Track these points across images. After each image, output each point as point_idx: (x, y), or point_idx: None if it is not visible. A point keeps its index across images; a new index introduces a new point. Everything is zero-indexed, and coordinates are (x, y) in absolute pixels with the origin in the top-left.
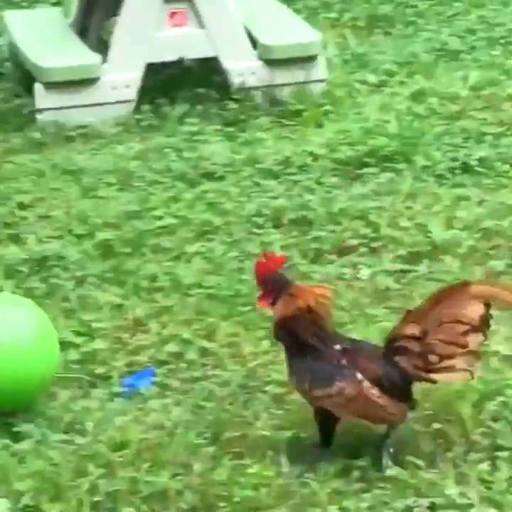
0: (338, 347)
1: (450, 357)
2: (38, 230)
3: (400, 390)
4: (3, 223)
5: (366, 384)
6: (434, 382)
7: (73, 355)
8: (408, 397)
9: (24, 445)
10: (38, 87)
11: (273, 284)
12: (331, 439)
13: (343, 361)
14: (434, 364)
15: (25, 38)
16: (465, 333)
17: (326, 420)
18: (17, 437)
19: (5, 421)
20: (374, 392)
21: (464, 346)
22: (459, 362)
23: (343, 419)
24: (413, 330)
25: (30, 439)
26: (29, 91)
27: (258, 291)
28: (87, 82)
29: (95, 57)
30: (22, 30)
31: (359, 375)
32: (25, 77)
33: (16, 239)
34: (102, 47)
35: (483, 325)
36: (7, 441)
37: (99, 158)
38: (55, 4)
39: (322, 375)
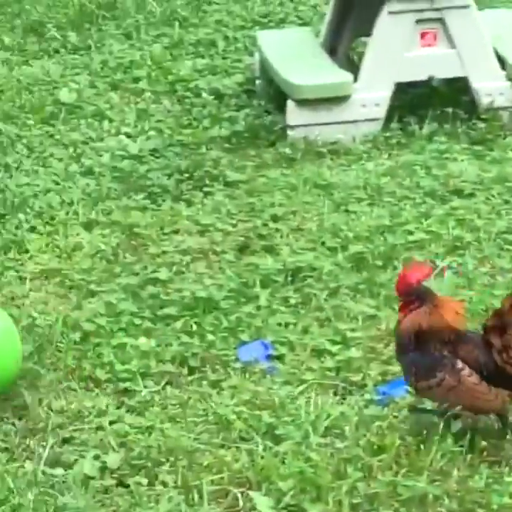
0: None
1: None
2: (292, 241)
3: (495, 378)
4: (258, 235)
5: (465, 372)
6: None
7: (329, 362)
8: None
9: (285, 446)
10: (289, 104)
11: (416, 294)
12: None
13: (445, 351)
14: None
15: (278, 56)
16: None
17: None
18: (278, 439)
19: (268, 424)
20: (473, 379)
21: None
22: None
23: (447, 408)
24: (495, 325)
25: (291, 441)
26: (280, 108)
27: (399, 302)
28: (338, 100)
29: (347, 76)
30: (274, 48)
31: (459, 364)
32: (276, 95)
33: (271, 250)
34: (350, 66)
35: None
36: (269, 442)
37: (349, 173)
38: (302, 24)
39: (425, 367)
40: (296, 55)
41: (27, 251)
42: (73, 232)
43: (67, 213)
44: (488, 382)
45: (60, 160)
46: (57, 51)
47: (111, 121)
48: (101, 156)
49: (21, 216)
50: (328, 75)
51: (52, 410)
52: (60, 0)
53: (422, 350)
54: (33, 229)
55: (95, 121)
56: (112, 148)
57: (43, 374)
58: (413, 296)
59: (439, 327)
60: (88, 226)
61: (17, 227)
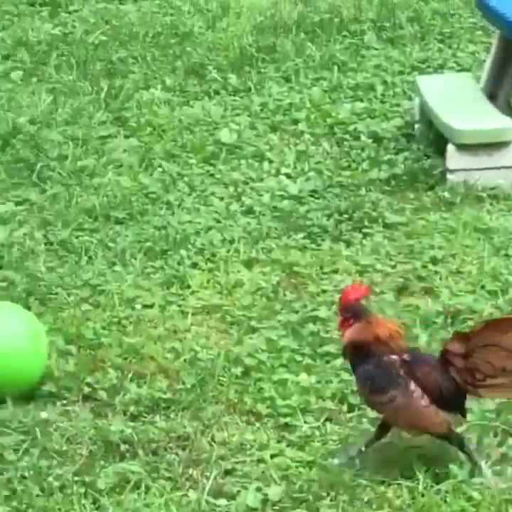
0: (395, 357)
1: (492, 376)
2: (451, 284)
3: (453, 399)
4: (417, 276)
5: (417, 394)
6: (480, 396)
7: (489, 404)
8: (460, 407)
9: (447, 485)
10: (450, 149)
11: (353, 311)
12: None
13: (401, 371)
14: (480, 381)
15: (438, 101)
16: (504, 359)
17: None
18: (440, 477)
19: (429, 462)
20: (423, 402)
21: (503, 369)
22: (501, 381)
23: (395, 427)
24: (458, 348)
25: (453, 480)
26: (439, 152)
27: (339, 317)
28: (499, 145)
29: (508, 122)
30: (434, 93)
31: (412, 386)
32: (436, 139)
33: (430, 292)
34: (510, 112)
35: None
36: (430, 480)
37: (509, 219)
38: (460, 70)
39: (379, 383)
40: (456, 99)
41: (189, 286)
42: (234, 269)
43: (228, 251)
44: (445, 402)
45: (221, 199)
46: (217, 93)
47: (270, 162)
48: (261, 195)
49: (183, 252)
50: (490, 120)
51: (214, 442)
52: (221, 43)
53: (376, 364)
54: (194, 265)
55: (255, 161)
56: (272, 188)
57: (205, 406)
58: (350, 312)
59: (369, 340)
60: (249, 264)
61: (179, 263)
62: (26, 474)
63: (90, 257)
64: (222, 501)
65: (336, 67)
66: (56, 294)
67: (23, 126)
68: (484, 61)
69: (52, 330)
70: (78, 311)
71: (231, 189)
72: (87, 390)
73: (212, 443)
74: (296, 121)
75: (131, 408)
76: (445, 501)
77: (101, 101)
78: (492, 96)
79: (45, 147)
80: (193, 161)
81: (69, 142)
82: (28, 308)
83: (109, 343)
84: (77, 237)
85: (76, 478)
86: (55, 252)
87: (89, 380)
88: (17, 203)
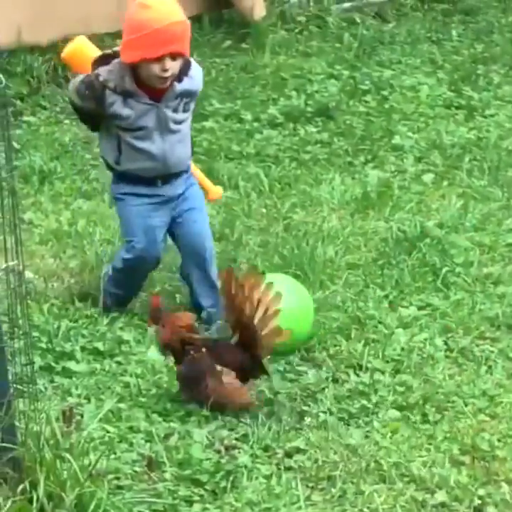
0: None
1: None
2: None
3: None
4: None
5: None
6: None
7: None
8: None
9: None
10: None
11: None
12: None
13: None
14: None
15: None
16: None
17: None
18: None
19: None
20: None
21: None
22: None
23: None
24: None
25: None
26: None
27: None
28: None
29: None
30: None
31: (219, 367)
32: None
33: None
34: None
35: None
36: None
37: None
38: None
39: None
40: None
41: None
42: None
43: None
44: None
45: None
46: None
47: None
48: None
49: None
50: None
51: None
52: None
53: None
54: None
55: None
56: None
57: None
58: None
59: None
60: None
61: None
62: None
63: (489, 367)
64: None
65: None
66: (453, 402)
67: (432, 230)
68: None
69: (447, 439)
70: (474, 421)
71: None
72: (477, 502)
73: None
74: None
75: None
76: None
77: (511, 208)
78: None
79: (452, 252)
80: None
81: (475, 248)
82: (424, 414)
83: (504, 457)
84: (477, 346)
85: None
86: (455, 360)
87: (481, 492)
88: (420, 308)
